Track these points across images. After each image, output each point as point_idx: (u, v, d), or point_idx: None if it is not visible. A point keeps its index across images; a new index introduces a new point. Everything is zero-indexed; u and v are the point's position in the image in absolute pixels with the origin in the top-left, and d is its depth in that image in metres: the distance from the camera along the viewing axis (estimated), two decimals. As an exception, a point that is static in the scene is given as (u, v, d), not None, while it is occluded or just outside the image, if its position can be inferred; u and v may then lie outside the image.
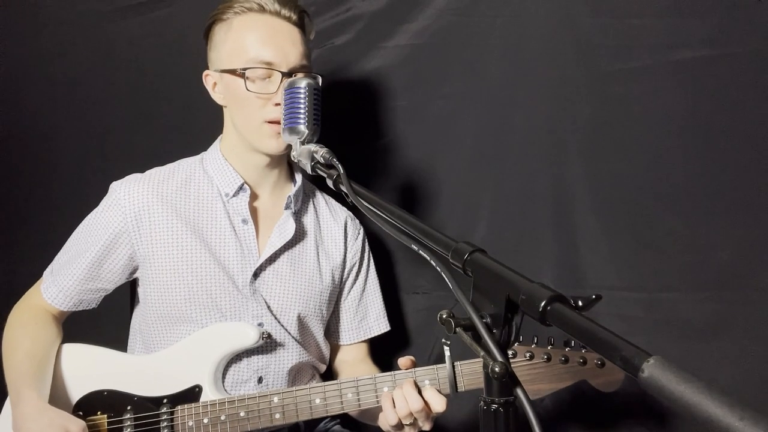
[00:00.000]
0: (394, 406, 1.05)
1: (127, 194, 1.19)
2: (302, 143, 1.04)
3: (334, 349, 1.40)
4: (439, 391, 1.07)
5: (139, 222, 1.19)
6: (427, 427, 1.07)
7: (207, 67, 1.25)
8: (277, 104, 1.13)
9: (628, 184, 1.35)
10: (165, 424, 1.13)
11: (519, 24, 1.40)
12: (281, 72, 1.15)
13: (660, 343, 1.31)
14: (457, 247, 0.69)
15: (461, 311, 0.63)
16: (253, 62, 1.15)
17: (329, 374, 1.41)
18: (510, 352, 1.06)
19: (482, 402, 0.61)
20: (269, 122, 1.15)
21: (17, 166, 1.88)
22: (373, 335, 1.39)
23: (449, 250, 0.69)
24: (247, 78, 1.15)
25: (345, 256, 1.34)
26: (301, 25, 1.21)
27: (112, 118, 1.77)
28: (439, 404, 1.05)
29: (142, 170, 1.26)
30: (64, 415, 1.08)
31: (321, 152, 0.97)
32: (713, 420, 0.40)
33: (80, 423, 1.08)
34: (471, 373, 1.08)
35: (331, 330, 1.38)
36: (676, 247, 1.31)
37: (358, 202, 0.84)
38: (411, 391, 1.05)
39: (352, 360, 1.39)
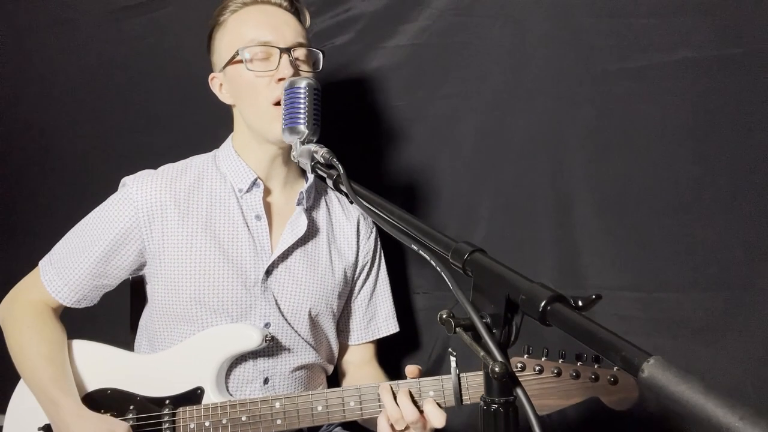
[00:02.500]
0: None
1: (140, 190, 1.18)
2: (302, 143, 1.04)
3: (342, 348, 1.40)
4: (440, 405, 1.03)
5: (151, 218, 1.18)
6: None
7: (209, 70, 1.27)
8: (281, 79, 1.14)
9: (629, 184, 1.35)
10: (167, 425, 1.13)
11: (519, 24, 1.40)
12: (279, 48, 1.16)
13: (660, 343, 1.31)
14: (457, 247, 0.69)
15: (461, 311, 0.63)
16: (251, 43, 1.17)
17: (335, 375, 1.41)
18: (519, 365, 1.03)
19: (482, 402, 0.61)
20: (276, 104, 1.15)
21: (17, 165, 1.89)
22: (381, 336, 1.38)
23: (449, 250, 0.69)
24: (247, 60, 1.16)
25: (357, 255, 1.34)
26: (293, 11, 1.24)
27: (112, 118, 1.77)
28: (437, 419, 1.01)
29: (142, 169, 1.26)
30: (108, 419, 1.10)
31: (321, 152, 0.97)
32: (713, 420, 0.41)
33: (124, 425, 1.09)
34: (477, 385, 1.04)
35: (340, 329, 1.38)
36: (676, 247, 1.31)
37: (358, 202, 0.83)
38: (406, 402, 1.03)
39: (359, 361, 1.38)
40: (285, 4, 1.23)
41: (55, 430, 1.10)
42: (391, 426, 1.05)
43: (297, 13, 1.25)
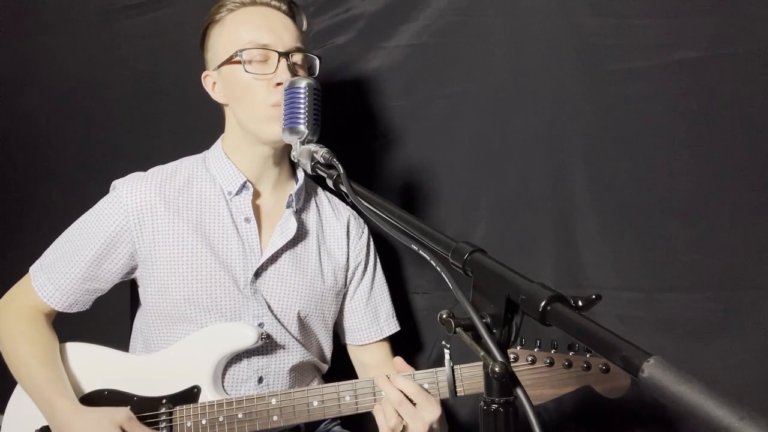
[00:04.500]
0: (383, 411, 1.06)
1: (130, 192, 1.19)
2: (302, 143, 1.05)
3: (352, 351, 1.39)
4: (429, 392, 1.06)
5: (142, 220, 1.18)
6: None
7: (205, 69, 1.26)
8: (279, 84, 1.13)
9: (628, 184, 1.34)
10: (164, 424, 1.13)
11: (519, 24, 1.40)
12: (278, 52, 1.16)
13: (660, 343, 1.31)
14: (457, 247, 0.69)
15: (461, 311, 0.63)
16: (250, 45, 1.17)
17: (341, 377, 1.40)
18: (512, 356, 1.05)
19: (482, 402, 0.61)
20: (273, 106, 1.15)
21: (17, 166, 1.89)
22: (385, 335, 1.38)
23: (449, 250, 0.69)
24: (245, 61, 1.16)
25: (348, 256, 1.34)
26: (291, 15, 1.24)
27: (111, 118, 1.77)
28: (408, 387, 1.04)
29: (141, 170, 1.26)
30: (106, 410, 1.10)
31: (321, 152, 0.97)
32: (713, 420, 0.40)
33: (124, 410, 1.10)
34: (471, 377, 1.06)
35: (343, 330, 1.38)
36: (676, 247, 1.31)
37: (358, 202, 0.84)
38: (403, 382, 1.06)
39: (374, 363, 1.37)
40: (284, 7, 1.23)
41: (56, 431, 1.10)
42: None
43: (294, 17, 1.25)
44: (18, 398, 1.21)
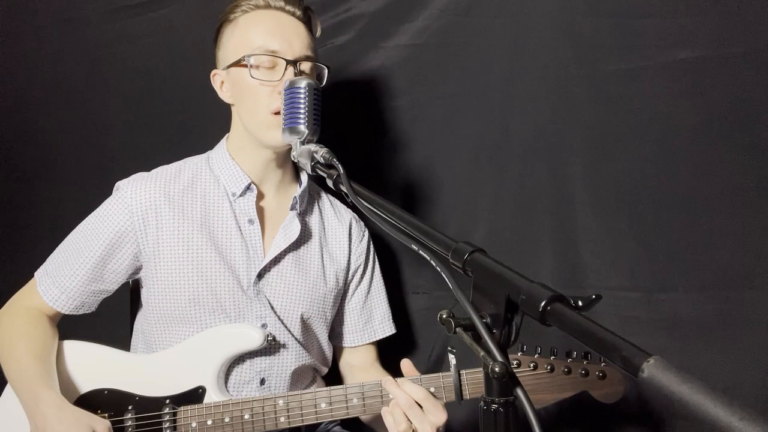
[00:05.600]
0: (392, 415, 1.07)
1: (134, 193, 1.18)
2: (302, 143, 1.05)
3: (341, 352, 1.40)
4: (435, 394, 1.07)
5: (146, 221, 1.17)
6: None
7: (211, 68, 1.26)
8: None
9: (628, 184, 1.35)
10: (168, 424, 1.13)
11: (519, 24, 1.40)
12: (286, 60, 1.15)
13: (660, 343, 1.31)
14: (457, 247, 0.69)
15: (461, 311, 0.63)
16: (258, 51, 1.16)
17: (336, 378, 1.41)
18: (515, 362, 1.08)
19: (482, 402, 0.61)
20: (275, 113, 1.15)
21: (18, 167, 1.88)
22: (378, 338, 1.38)
23: (449, 250, 0.69)
24: (252, 66, 1.16)
25: (349, 258, 1.34)
26: (305, 21, 1.23)
27: (112, 118, 1.77)
28: (417, 393, 1.06)
29: (143, 170, 1.26)
30: (89, 415, 1.08)
31: (321, 152, 0.97)
32: (713, 420, 0.41)
33: (106, 423, 1.08)
34: (477, 381, 1.09)
35: (336, 332, 1.38)
36: (676, 247, 1.31)
37: (358, 202, 0.84)
38: (410, 386, 1.07)
39: (361, 364, 1.38)
40: (298, 13, 1.21)
41: (33, 425, 1.07)
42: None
43: (309, 22, 1.24)
44: (4, 409, 1.18)
